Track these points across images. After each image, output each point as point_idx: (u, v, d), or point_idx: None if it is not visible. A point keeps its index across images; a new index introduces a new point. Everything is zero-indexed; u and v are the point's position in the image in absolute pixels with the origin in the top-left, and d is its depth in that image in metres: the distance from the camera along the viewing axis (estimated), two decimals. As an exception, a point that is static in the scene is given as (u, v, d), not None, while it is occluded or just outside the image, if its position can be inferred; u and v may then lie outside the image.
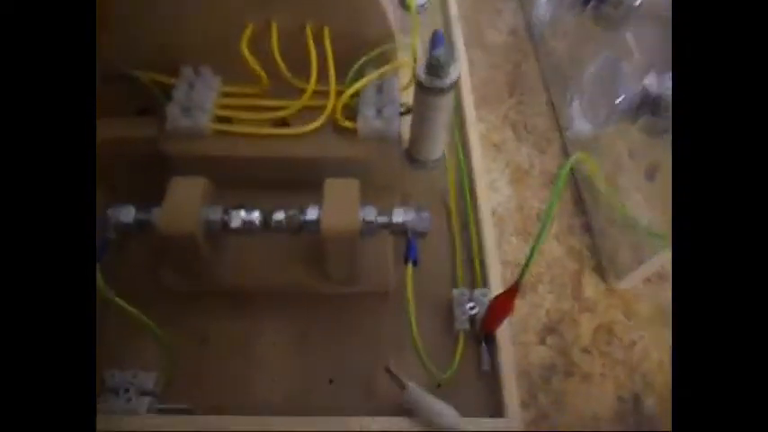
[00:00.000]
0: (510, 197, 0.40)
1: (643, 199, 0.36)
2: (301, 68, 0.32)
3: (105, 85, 0.33)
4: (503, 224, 0.38)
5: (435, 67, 0.24)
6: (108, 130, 0.33)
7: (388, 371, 0.25)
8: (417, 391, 0.25)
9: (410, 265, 0.25)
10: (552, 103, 0.46)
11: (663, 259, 0.34)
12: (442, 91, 0.25)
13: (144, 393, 0.26)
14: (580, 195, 0.40)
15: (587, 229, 0.38)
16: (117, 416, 0.25)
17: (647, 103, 0.32)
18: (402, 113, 0.30)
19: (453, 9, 0.46)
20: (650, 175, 0.37)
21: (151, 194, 0.26)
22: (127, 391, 0.26)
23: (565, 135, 0.43)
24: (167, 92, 0.30)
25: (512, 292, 0.25)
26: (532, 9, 0.51)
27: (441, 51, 0.25)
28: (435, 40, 0.27)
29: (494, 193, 0.39)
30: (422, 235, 0.26)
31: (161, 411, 0.26)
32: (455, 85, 0.26)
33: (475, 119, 0.38)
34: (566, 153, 0.42)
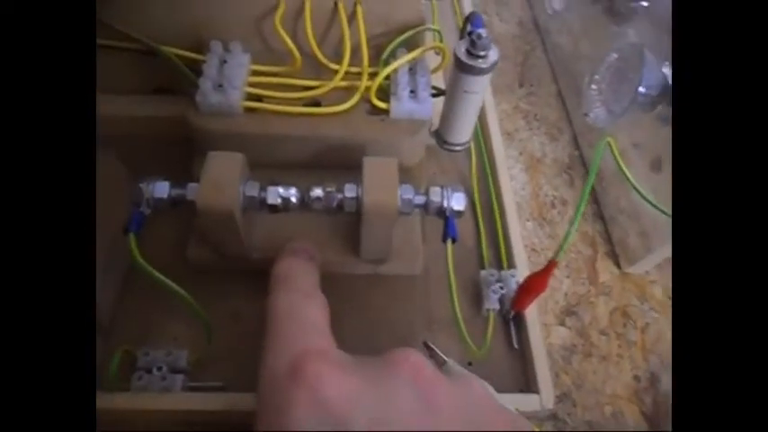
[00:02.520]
0: (525, 184, 0.40)
1: (650, 190, 0.38)
2: (330, 49, 0.32)
3: (128, 62, 0.32)
4: (519, 210, 0.38)
5: (477, 46, 0.25)
6: (128, 108, 0.33)
7: (427, 345, 0.26)
8: (455, 366, 0.25)
9: (450, 243, 0.26)
10: (561, 95, 0.47)
11: (670, 246, 0.35)
12: (481, 71, 0.26)
13: (176, 371, 0.26)
14: (593, 185, 0.41)
15: (599, 216, 0.39)
16: (152, 394, 0.25)
17: (665, 93, 0.34)
18: (433, 95, 0.30)
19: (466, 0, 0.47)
20: (656, 167, 0.38)
21: (174, 174, 0.26)
22: (160, 369, 0.26)
23: (574, 122, 0.44)
24: (195, 69, 0.30)
25: (548, 270, 0.25)
26: (539, 1, 0.52)
27: (483, 31, 0.25)
28: (474, 21, 0.27)
29: (510, 180, 0.40)
30: (458, 214, 0.26)
31: (194, 389, 0.26)
32: (493, 68, 0.26)
33: (494, 106, 0.38)
34: (576, 143, 0.43)
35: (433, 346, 0.26)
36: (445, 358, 0.26)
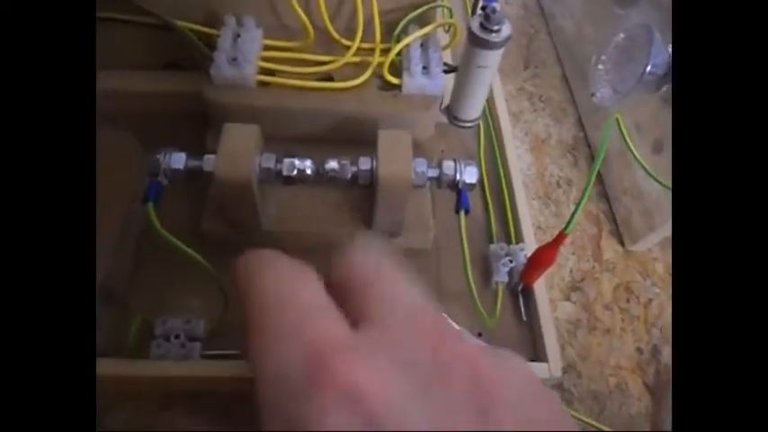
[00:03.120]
0: (530, 164, 0.41)
1: (651, 171, 0.38)
2: (342, 25, 0.32)
3: (139, 36, 0.32)
4: (525, 189, 0.39)
5: (492, 20, 0.25)
6: (141, 83, 0.33)
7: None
8: (466, 335, 0.26)
9: (463, 215, 0.26)
10: (565, 77, 0.47)
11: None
12: (495, 45, 0.26)
13: (193, 339, 0.26)
14: (595, 164, 0.42)
15: (604, 195, 0.40)
16: (172, 361, 0.25)
17: (670, 73, 0.34)
18: (444, 72, 0.30)
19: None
20: (657, 148, 0.39)
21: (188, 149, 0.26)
22: (177, 336, 0.26)
23: (578, 104, 0.45)
24: (207, 44, 0.30)
25: (557, 242, 0.26)
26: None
27: (497, 4, 0.25)
28: (487, -3, 0.28)
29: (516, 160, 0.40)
30: (471, 186, 0.27)
31: (211, 357, 0.26)
32: (506, 43, 0.27)
33: (500, 85, 0.39)
34: (581, 124, 0.44)
35: (444, 315, 0.26)
36: (457, 327, 0.26)
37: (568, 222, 0.26)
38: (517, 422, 0.14)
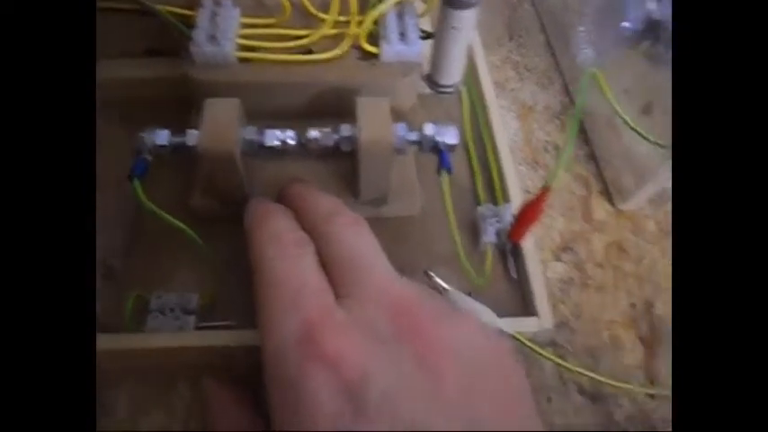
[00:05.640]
0: (517, 131, 0.41)
1: (640, 129, 0.38)
2: (318, 1, 0.32)
3: (120, 23, 0.33)
4: (513, 155, 0.39)
5: (463, -20, 0.25)
6: (124, 70, 0.33)
7: (427, 275, 0.27)
8: (456, 294, 0.26)
9: (445, 175, 0.27)
10: (550, 44, 0.47)
11: (662, 180, 0.36)
12: (466, 4, 0.26)
13: (188, 313, 0.27)
14: (583, 126, 0.42)
15: (592, 157, 0.40)
16: (168, 334, 0.26)
17: (650, 29, 0.34)
18: (422, 38, 0.31)
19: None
20: (646, 109, 0.39)
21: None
22: (172, 310, 0.27)
23: (563, 70, 0.45)
24: (187, 26, 0.30)
25: (541, 196, 0.26)
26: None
27: (467, -35, 0.25)
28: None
29: (502, 122, 0.41)
30: (451, 148, 0.27)
31: (206, 328, 0.27)
32: (479, 2, 0.27)
33: (482, 53, 0.39)
34: (567, 90, 0.44)
35: (432, 274, 0.27)
36: (445, 286, 0.27)
37: (552, 176, 0.26)
38: (455, 366, 0.17)
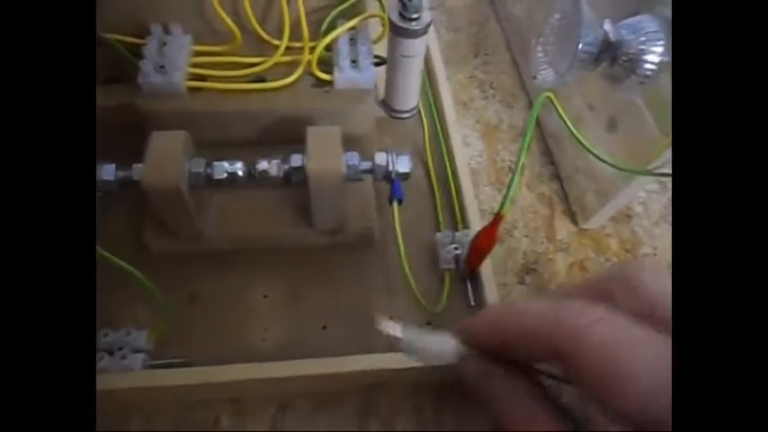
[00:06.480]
0: (482, 151, 0.41)
1: (605, 150, 0.38)
2: (273, 26, 0.32)
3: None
4: (476, 176, 0.39)
5: (408, 8, 0.25)
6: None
7: (378, 326, 0.24)
8: (411, 334, 0.24)
9: (396, 205, 0.26)
10: (516, 62, 0.47)
11: (624, 198, 0.36)
12: (415, 33, 0.26)
13: (137, 351, 0.26)
14: (547, 147, 0.42)
15: (555, 176, 0.40)
16: (114, 374, 0.25)
17: (606, 50, 0.34)
18: (376, 64, 0.30)
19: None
20: (611, 126, 0.39)
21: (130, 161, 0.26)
22: (121, 348, 0.26)
23: (528, 88, 0.45)
24: (137, 54, 0.30)
25: (495, 223, 0.26)
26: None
27: (413, -6, 0.25)
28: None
29: (466, 147, 0.40)
30: (404, 176, 0.27)
31: (156, 367, 0.26)
32: (427, 30, 0.27)
33: (444, 75, 0.39)
34: (531, 108, 0.44)
35: (383, 324, 0.23)
36: (398, 336, 0.24)
37: (502, 204, 0.26)
38: None
